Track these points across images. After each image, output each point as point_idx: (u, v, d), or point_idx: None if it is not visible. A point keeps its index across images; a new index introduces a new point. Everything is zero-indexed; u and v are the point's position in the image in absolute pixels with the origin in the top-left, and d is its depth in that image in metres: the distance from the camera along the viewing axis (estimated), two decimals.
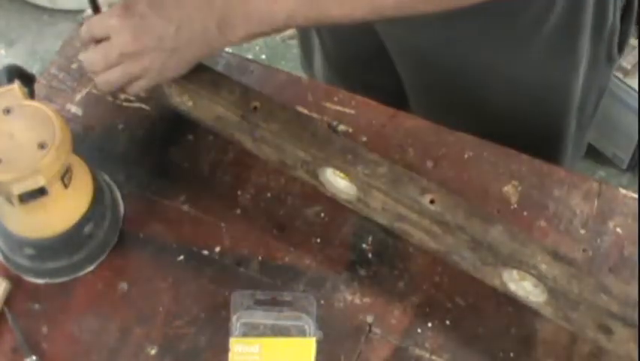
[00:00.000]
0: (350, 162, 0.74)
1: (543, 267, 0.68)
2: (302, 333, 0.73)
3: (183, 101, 0.83)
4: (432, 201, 0.71)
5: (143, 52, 0.73)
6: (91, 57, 0.76)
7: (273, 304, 0.74)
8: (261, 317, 0.73)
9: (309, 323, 0.73)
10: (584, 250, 0.77)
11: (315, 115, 0.85)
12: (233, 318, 0.73)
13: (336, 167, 0.75)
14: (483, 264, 0.72)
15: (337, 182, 0.78)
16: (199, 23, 0.72)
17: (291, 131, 0.76)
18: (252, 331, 0.73)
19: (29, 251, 0.75)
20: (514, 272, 0.71)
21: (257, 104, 0.78)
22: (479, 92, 0.92)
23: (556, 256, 0.69)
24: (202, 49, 0.75)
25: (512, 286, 0.72)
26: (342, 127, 0.85)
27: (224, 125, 0.82)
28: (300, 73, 1.17)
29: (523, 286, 0.72)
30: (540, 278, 0.69)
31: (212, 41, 0.74)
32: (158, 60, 0.74)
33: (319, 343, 0.72)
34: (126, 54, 0.74)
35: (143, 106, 0.88)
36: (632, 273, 0.75)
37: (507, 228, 0.70)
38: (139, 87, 0.77)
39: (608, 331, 0.69)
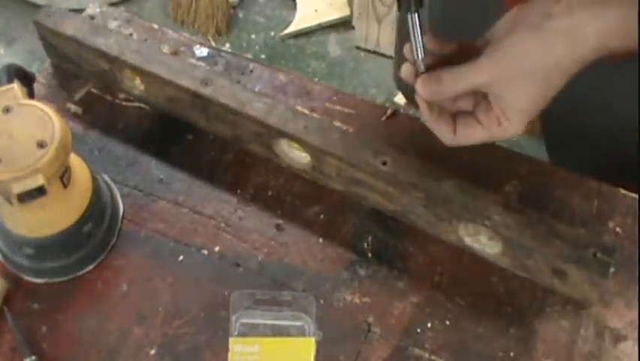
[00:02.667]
0: (303, 131, 0.76)
1: (496, 218, 0.71)
2: (302, 333, 0.72)
3: (135, 85, 0.86)
4: (384, 163, 0.74)
5: None
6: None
7: (273, 304, 0.74)
8: (261, 317, 0.73)
9: (308, 323, 0.73)
10: None
11: (315, 115, 0.85)
12: (233, 318, 0.73)
13: (290, 137, 0.77)
14: (438, 220, 0.75)
15: (292, 152, 0.80)
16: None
17: (243, 105, 0.79)
18: (252, 331, 0.73)
19: (28, 251, 0.75)
20: (469, 226, 0.73)
21: (206, 80, 0.80)
22: (604, 129, 0.89)
23: (508, 206, 0.71)
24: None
25: (468, 240, 0.75)
26: (341, 127, 0.85)
27: (177, 106, 0.83)
28: (299, 72, 1.17)
29: (479, 240, 0.75)
30: (494, 229, 0.71)
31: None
32: None
33: (319, 343, 0.72)
34: None
35: (143, 105, 0.88)
36: (631, 273, 0.75)
37: (459, 182, 0.73)
38: None
39: (562, 275, 0.71)
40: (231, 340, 0.72)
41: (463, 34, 0.90)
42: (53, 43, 0.88)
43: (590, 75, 0.67)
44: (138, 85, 0.86)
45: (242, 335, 0.72)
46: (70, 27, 0.85)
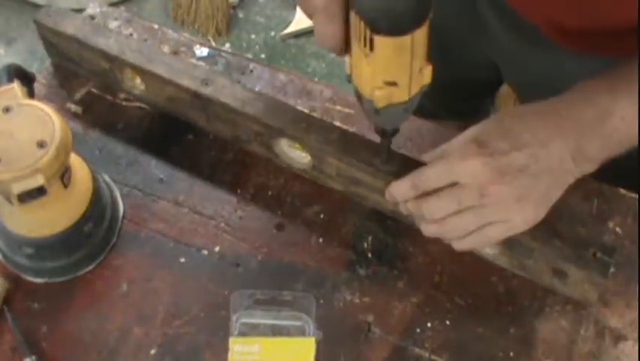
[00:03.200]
0: (303, 131, 0.76)
1: None
2: (302, 333, 0.72)
3: (136, 85, 0.86)
4: (384, 163, 0.74)
5: (503, 193, 0.64)
6: (435, 204, 0.67)
7: (273, 304, 0.74)
8: (261, 317, 0.73)
9: (308, 323, 0.73)
10: None
11: (315, 115, 0.85)
12: (233, 318, 0.73)
13: (290, 137, 0.78)
14: None
15: (292, 152, 0.80)
16: (555, 152, 0.64)
17: (244, 105, 0.79)
18: (252, 331, 0.73)
19: (28, 250, 0.75)
20: None
21: (207, 79, 0.80)
22: None
23: None
24: (558, 183, 0.66)
25: None
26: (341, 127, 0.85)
27: (177, 106, 0.83)
28: (299, 72, 1.17)
29: None
30: None
31: (567, 175, 0.66)
32: (513, 200, 0.64)
33: (319, 343, 0.72)
34: (487, 195, 0.64)
35: (143, 105, 0.88)
36: (631, 273, 0.75)
37: None
38: (488, 239, 0.68)
39: (562, 275, 0.71)
40: (231, 340, 0.72)
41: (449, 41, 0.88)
42: (54, 42, 0.88)
43: (587, 76, 0.67)
44: (138, 85, 0.86)
45: (242, 334, 0.72)
46: (71, 26, 0.85)
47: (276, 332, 0.73)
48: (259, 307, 0.73)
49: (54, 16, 0.86)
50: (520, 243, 0.71)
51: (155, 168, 0.84)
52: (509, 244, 0.72)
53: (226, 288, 0.75)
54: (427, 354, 0.72)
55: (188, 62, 0.86)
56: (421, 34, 0.55)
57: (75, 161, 0.76)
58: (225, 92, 0.79)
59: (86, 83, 0.90)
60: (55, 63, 0.91)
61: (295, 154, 0.80)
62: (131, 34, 0.93)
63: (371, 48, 0.56)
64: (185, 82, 0.80)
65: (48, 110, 0.70)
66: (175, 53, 0.92)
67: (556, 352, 0.72)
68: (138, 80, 0.85)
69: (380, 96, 0.59)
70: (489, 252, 0.75)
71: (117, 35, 0.85)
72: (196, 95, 0.80)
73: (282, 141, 0.79)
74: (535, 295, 0.75)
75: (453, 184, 0.66)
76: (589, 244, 0.69)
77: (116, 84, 0.87)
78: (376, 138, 0.82)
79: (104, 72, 0.86)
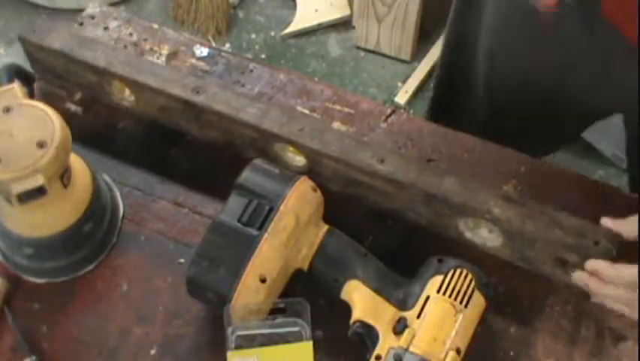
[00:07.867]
0: (298, 135, 0.76)
1: (496, 211, 0.71)
2: (298, 338, 0.72)
3: (125, 97, 0.85)
4: (382, 162, 0.74)
5: None
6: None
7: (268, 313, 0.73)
8: (256, 327, 0.72)
9: (304, 327, 0.72)
10: None
11: (315, 115, 0.85)
12: (229, 331, 0.71)
13: (285, 141, 0.77)
14: (438, 216, 0.75)
15: (287, 156, 0.80)
16: None
17: (237, 111, 0.78)
18: (249, 343, 0.71)
19: (28, 250, 0.75)
20: (469, 220, 0.73)
21: (198, 87, 0.80)
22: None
23: (508, 199, 0.72)
24: None
25: (468, 235, 0.75)
26: (341, 127, 0.85)
27: (168, 116, 0.83)
28: (299, 72, 1.17)
29: (479, 233, 0.75)
30: (495, 222, 0.72)
31: None
32: None
33: (319, 343, 0.72)
34: None
35: None
36: None
37: (458, 179, 0.73)
38: None
39: (565, 264, 0.72)
40: (229, 354, 0.70)
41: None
42: (39, 58, 0.86)
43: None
44: (128, 96, 0.84)
45: (239, 347, 0.71)
46: (57, 41, 0.83)
47: (274, 340, 0.72)
48: (254, 318, 0.72)
49: (39, 31, 0.84)
50: (522, 234, 0.71)
51: (155, 168, 0.84)
52: (511, 235, 0.72)
53: None
54: None
55: (178, 70, 0.84)
56: None
57: (75, 161, 0.76)
58: (217, 99, 0.78)
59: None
60: (42, 78, 0.89)
61: (290, 157, 0.80)
62: (130, 34, 0.93)
63: None
64: (176, 91, 0.79)
65: (48, 110, 0.70)
66: (175, 52, 0.91)
67: (556, 352, 0.72)
68: (127, 92, 0.84)
69: None
70: (490, 245, 0.75)
71: (104, 48, 0.83)
72: (188, 104, 0.79)
73: (277, 145, 0.79)
74: (535, 295, 0.75)
75: None
76: (590, 233, 0.69)
77: (105, 97, 0.86)
78: (374, 138, 0.82)
79: (91, 85, 0.85)
